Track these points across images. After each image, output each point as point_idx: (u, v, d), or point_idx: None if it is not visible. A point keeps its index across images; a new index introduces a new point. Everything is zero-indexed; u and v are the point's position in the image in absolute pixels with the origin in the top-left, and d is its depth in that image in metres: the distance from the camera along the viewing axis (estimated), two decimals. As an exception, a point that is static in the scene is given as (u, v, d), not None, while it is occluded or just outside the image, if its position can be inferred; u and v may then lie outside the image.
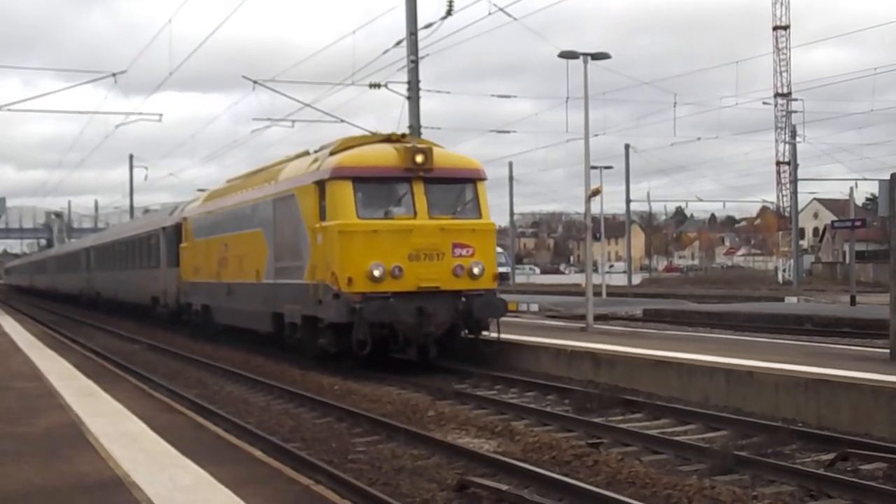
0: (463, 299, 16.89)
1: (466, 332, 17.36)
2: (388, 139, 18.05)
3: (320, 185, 17.35)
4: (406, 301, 16.38)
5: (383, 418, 12.07)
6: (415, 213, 17.01)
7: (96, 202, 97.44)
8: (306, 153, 20.04)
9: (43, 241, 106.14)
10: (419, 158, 16.96)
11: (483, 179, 18.14)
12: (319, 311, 17.13)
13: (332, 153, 17.77)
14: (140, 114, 33.60)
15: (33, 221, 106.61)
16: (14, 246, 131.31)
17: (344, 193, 16.83)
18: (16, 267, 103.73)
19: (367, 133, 19.89)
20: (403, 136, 18.36)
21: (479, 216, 17.70)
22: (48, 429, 10.30)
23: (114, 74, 26.08)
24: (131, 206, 66.72)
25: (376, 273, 16.35)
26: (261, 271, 20.49)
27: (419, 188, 17.09)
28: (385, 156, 17.22)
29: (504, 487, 8.34)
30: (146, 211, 61.46)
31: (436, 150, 17.51)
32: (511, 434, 11.07)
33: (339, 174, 16.91)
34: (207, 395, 15.19)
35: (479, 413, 12.95)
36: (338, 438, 11.24)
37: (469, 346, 17.65)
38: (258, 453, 9.05)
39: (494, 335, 17.20)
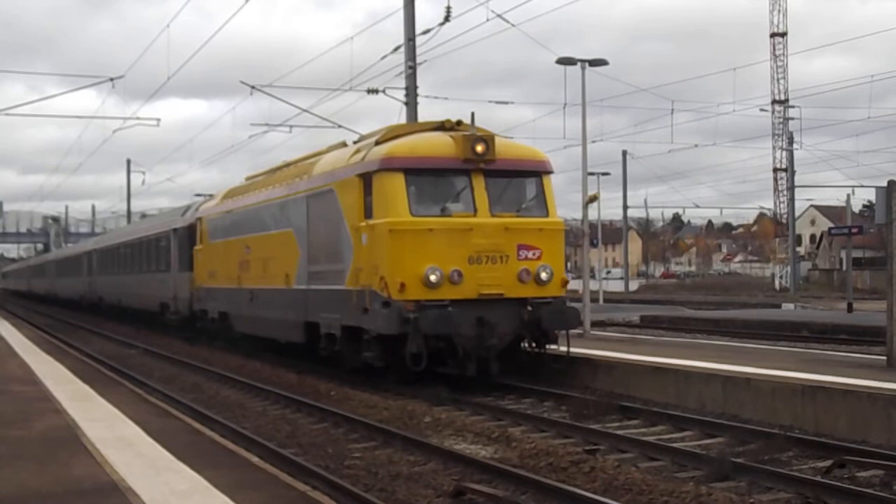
0: (529, 308, 15.09)
1: (531, 345, 15.60)
2: (442, 127, 16.20)
3: (366, 178, 15.46)
4: (466, 310, 14.57)
5: (380, 424, 12.05)
6: (475, 210, 15.16)
7: (93, 207, 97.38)
8: (343, 144, 18.47)
9: (40, 246, 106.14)
10: (479, 148, 15.11)
11: (549, 172, 16.24)
12: (364, 321, 15.23)
13: (378, 142, 15.92)
14: (138, 118, 33.50)
15: (30, 226, 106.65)
16: (11, 250, 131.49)
17: (394, 187, 14.94)
18: (13, 271, 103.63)
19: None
20: (459, 123, 16.21)
21: (546, 214, 15.88)
22: (44, 433, 10.29)
23: (111, 79, 26.02)
24: (128, 211, 66.65)
25: (433, 278, 14.52)
26: (291, 276, 18.70)
27: (479, 182, 15.24)
28: (441, 145, 15.34)
29: (501, 494, 8.33)
30: (143, 216, 61.39)
31: (497, 139, 15.65)
32: (508, 440, 11.04)
33: (388, 165, 15.02)
34: (203, 400, 15.18)
35: (475, 419, 12.92)
36: (334, 444, 11.22)
37: (532, 362, 15.85)
38: (254, 458, 9.04)
39: (563, 349, 15.38)
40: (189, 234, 27.22)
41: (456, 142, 15.27)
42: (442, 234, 14.84)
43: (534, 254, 15.33)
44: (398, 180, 14.95)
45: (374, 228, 15.13)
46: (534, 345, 15.59)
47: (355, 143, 17.83)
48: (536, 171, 16.03)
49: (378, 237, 14.99)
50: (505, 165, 15.49)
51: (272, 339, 20.43)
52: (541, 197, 15.95)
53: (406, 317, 14.32)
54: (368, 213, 15.43)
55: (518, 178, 15.94)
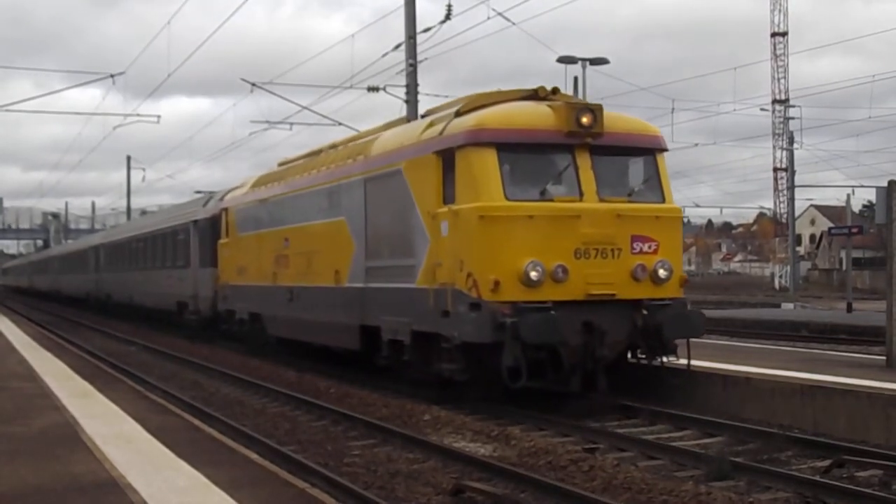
0: (645, 311, 12.77)
1: (643, 355, 13.13)
2: (535, 95, 13.82)
3: (446, 155, 13.10)
4: (571, 313, 12.20)
5: (379, 422, 12.06)
6: (580, 193, 12.78)
7: (93, 203, 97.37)
8: (406, 120, 16.31)
9: (40, 242, 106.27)
10: (585, 119, 12.76)
11: (664, 150, 13.89)
12: (444, 327, 12.87)
13: (458, 113, 13.55)
14: (138, 115, 33.57)
15: (30, 222, 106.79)
16: (10, 246, 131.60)
17: (485, 165, 12.52)
18: (14, 267, 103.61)
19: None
20: (555, 91, 14.02)
21: (662, 199, 13.49)
22: (43, 429, 10.29)
23: (112, 76, 26.04)
24: (128, 208, 66.55)
25: (533, 275, 12.14)
26: (343, 272, 16.32)
27: (585, 160, 12.87)
28: (539, 115, 12.98)
29: (500, 492, 8.34)
30: (143, 213, 61.37)
31: (605, 110, 13.37)
32: (507, 439, 11.05)
33: (477, 139, 12.61)
34: (203, 397, 15.20)
35: (474, 417, 12.88)
36: (333, 442, 11.23)
37: (645, 376, 13.63)
38: (254, 456, 9.05)
39: (682, 361, 13.04)
40: (212, 227, 24.93)
41: (557, 112, 12.93)
42: (543, 221, 12.47)
43: (650, 246, 13.01)
44: (489, 157, 12.56)
45: (458, 215, 12.76)
46: (643, 356, 13.17)
47: (423, 116, 15.68)
48: (650, 149, 13.63)
49: (464, 226, 12.65)
50: (614, 140, 13.13)
51: (312, 345, 18.52)
52: (655, 179, 13.54)
53: (501, 322, 11.93)
54: (450, 198, 13.08)
55: (629, 157, 13.62)
